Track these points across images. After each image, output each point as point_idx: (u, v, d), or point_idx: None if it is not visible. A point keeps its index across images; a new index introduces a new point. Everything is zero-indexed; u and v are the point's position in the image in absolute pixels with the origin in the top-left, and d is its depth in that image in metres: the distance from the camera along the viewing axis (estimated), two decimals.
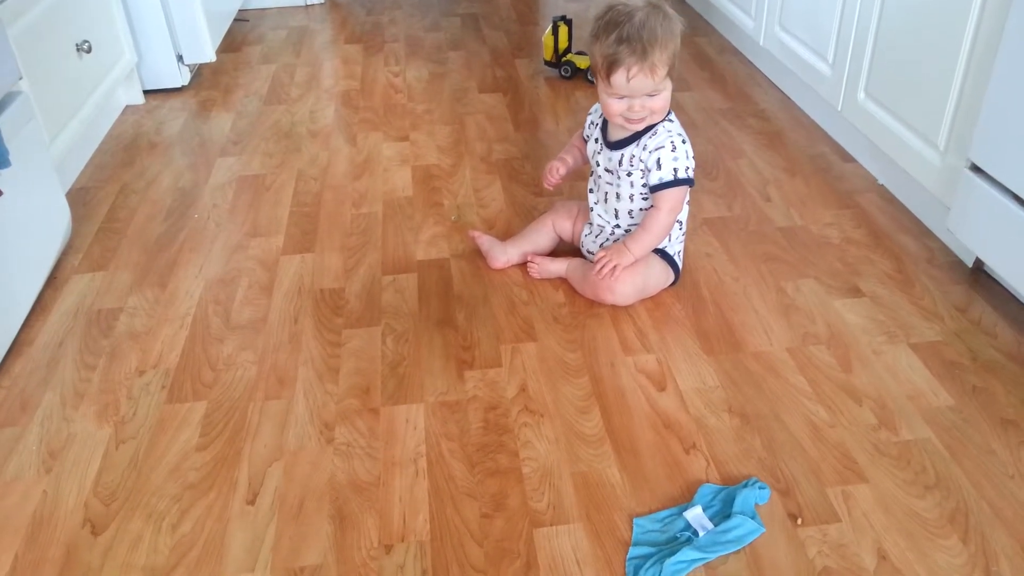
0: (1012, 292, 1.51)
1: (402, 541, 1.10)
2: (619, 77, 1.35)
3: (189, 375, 1.39)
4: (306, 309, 1.53)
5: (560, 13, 2.54)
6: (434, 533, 1.11)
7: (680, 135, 1.45)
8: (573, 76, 2.47)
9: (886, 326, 1.45)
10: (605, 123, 1.51)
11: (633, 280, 1.48)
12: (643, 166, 1.45)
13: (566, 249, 1.65)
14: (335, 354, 1.42)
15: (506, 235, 1.69)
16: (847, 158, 2.00)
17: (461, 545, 1.09)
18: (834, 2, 1.90)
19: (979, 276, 1.58)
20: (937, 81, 1.55)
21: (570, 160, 1.62)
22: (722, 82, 2.44)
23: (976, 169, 1.46)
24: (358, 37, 2.90)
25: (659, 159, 1.42)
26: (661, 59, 1.34)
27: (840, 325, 1.46)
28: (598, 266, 1.45)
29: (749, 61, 2.56)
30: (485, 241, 1.63)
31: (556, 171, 1.60)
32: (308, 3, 3.22)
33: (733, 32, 2.68)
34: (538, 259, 1.59)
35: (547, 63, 2.50)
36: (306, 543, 1.10)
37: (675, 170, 1.42)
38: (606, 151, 1.49)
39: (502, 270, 1.61)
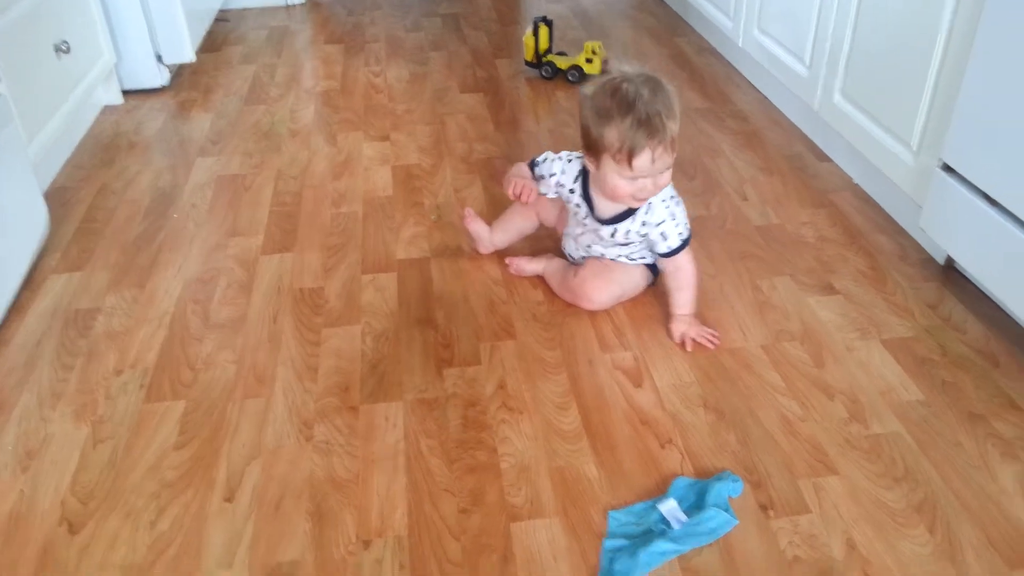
0: (982, 289, 1.53)
1: (380, 536, 1.11)
2: (643, 160, 1.29)
3: (168, 375, 1.39)
4: (285, 308, 1.54)
5: (541, 14, 2.55)
6: (412, 528, 1.12)
7: (673, 198, 1.42)
8: (554, 76, 2.48)
9: (859, 323, 1.48)
10: (585, 189, 1.45)
11: (611, 289, 1.49)
12: (642, 239, 1.44)
13: (549, 233, 1.66)
14: (314, 353, 1.43)
15: None
16: (823, 158, 2.02)
17: (439, 540, 1.10)
18: (811, 4, 1.92)
19: (950, 273, 1.60)
20: (911, 82, 1.58)
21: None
22: (701, 82, 2.46)
23: (948, 169, 1.49)
24: (339, 37, 2.90)
25: (663, 233, 1.41)
26: (677, 132, 1.30)
27: (814, 322, 1.48)
28: (687, 346, 1.42)
29: (728, 61, 2.59)
30: (474, 227, 1.64)
31: (530, 192, 1.47)
32: (289, 3, 3.22)
33: (712, 33, 2.70)
34: (515, 260, 1.60)
35: (528, 63, 2.51)
36: (284, 540, 1.11)
37: (680, 235, 1.42)
38: (592, 222, 1.46)
39: (481, 268, 1.62)
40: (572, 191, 1.46)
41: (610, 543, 1.09)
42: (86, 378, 1.38)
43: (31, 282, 1.62)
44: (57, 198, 1.89)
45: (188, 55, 2.46)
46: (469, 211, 1.65)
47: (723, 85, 2.43)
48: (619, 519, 1.12)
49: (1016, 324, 1.45)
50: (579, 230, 1.50)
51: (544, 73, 2.48)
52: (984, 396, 1.32)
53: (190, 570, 1.07)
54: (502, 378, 1.37)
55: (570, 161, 1.46)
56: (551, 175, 1.47)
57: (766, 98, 2.33)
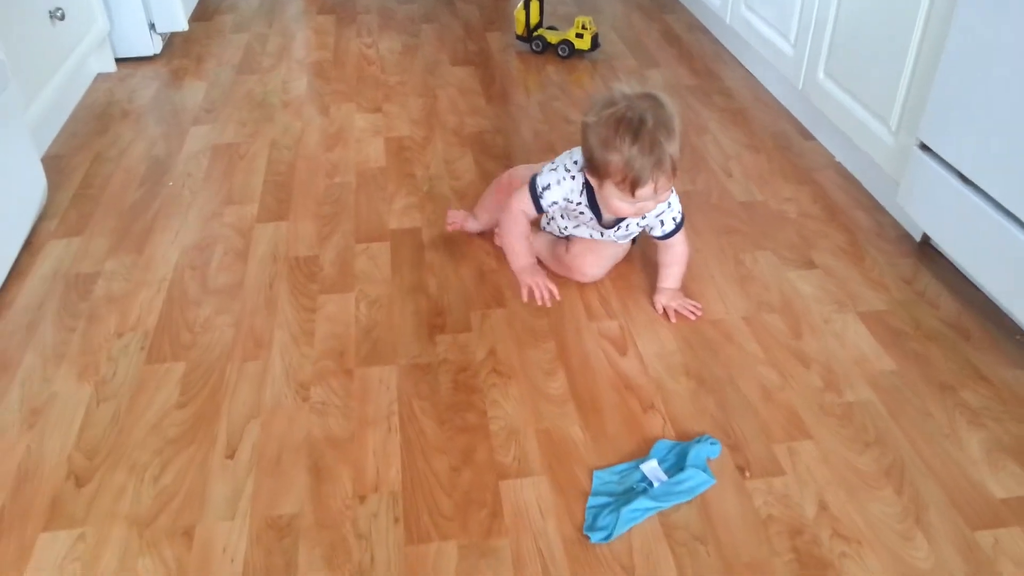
0: (956, 265, 1.59)
1: (376, 491, 1.16)
2: (646, 191, 1.31)
3: (168, 337, 1.43)
4: (281, 275, 1.58)
5: None
6: (406, 484, 1.17)
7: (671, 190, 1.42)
8: (544, 51, 2.51)
9: (836, 296, 1.53)
10: (591, 199, 1.44)
11: (603, 264, 1.55)
12: (641, 228, 1.48)
13: None
14: (310, 319, 1.47)
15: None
16: (807, 136, 2.07)
17: (431, 495, 1.16)
18: None
19: (926, 249, 1.66)
20: (891, 63, 1.63)
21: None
22: (689, 59, 2.49)
23: (925, 148, 1.54)
24: (330, 8, 2.91)
25: (661, 220, 1.45)
26: (678, 159, 1.31)
27: (793, 295, 1.54)
28: (670, 317, 1.46)
29: (716, 39, 2.62)
30: (460, 226, 1.67)
31: (551, 296, 1.48)
32: None
33: (701, 10, 2.74)
34: (454, 214, 1.66)
35: (519, 37, 2.54)
36: (284, 493, 1.16)
37: (675, 219, 1.46)
38: (596, 223, 1.48)
39: (472, 239, 1.66)
40: (579, 203, 1.45)
41: (594, 500, 1.15)
42: (88, 340, 1.42)
43: (31, 246, 1.65)
44: (53, 165, 1.91)
45: (181, 23, 2.47)
46: (450, 219, 1.67)
47: (711, 63, 2.47)
48: (603, 478, 1.18)
49: (987, 299, 1.51)
50: (575, 222, 1.52)
51: (535, 47, 2.51)
52: (954, 367, 1.38)
53: (193, 521, 1.12)
54: (492, 345, 1.42)
55: (573, 178, 1.43)
56: (554, 203, 1.45)
57: (753, 76, 2.37)
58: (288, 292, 1.53)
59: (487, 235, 1.67)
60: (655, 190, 1.31)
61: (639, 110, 1.28)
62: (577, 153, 1.43)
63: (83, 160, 1.95)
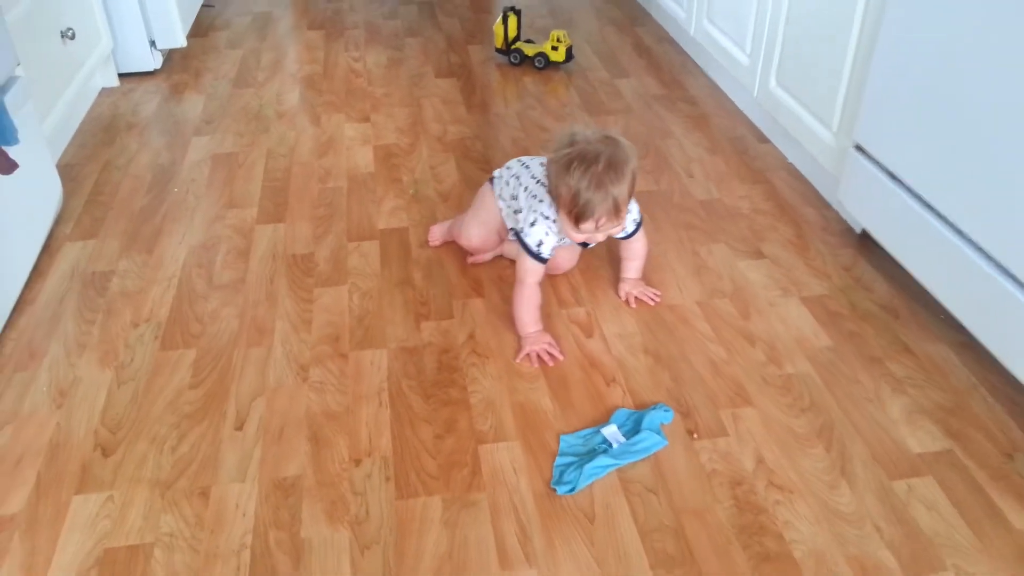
0: (890, 254, 1.76)
1: (369, 456, 1.32)
2: (588, 226, 1.42)
3: (179, 327, 1.58)
4: (280, 271, 1.73)
5: (510, 3, 2.75)
6: (396, 449, 1.33)
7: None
8: (522, 63, 2.68)
9: (782, 283, 1.70)
10: None
11: (576, 258, 1.72)
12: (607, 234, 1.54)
13: None
14: (308, 309, 1.63)
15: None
16: (763, 139, 2.24)
17: (418, 458, 1.32)
18: None
19: (865, 241, 1.83)
20: (831, 71, 1.80)
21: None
22: (658, 70, 2.67)
23: (859, 149, 1.71)
24: (319, 23, 3.07)
25: (623, 225, 1.52)
26: (626, 201, 1.41)
27: (743, 282, 1.70)
28: (631, 303, 1.62)
29: (683, 50, 2.80)
30: (437, 233, 1.81)
31: (555, 358, 1.52)
32: None
33: (669, 23, 2.91)
34: (478, 256, 1.75)
35: (498, 50, 2.71)
36: (288, 459, 1.31)
37: (635, 220, 1.57)
38: (574, 245, 1.62)
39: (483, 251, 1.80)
40: (563, 240, 1.54)
41: (561, 460, 1.31)
42: (106, 330, 1.58)
43: (49, 248, 1.80)
44: (65, 174, 2.06)
45: (179, 40, 2.62)
46: (431, 237, 1.81)
47: (678, 73, 2.64)
48: (569, 441, 1.34)
49: (917, 284, 1.67)
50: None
51: (513, 59, 2.68)
52: (883, 343, 1.55)
53: (209, 483, 1.27)
54: (472, 330, 1.58)
55: (549, 220, 1.49)
56: (551, 248, 1.51)
57: (716, 84, 2.55)
58: (287, 286, 1.69)
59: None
60: (596, 226, 1.42)
61: (593, 151, 1.39)
62: (540, 190, 1.53)
63: (93, 169, 2.10)
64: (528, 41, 2.70)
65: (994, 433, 1.37)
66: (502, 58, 2.74)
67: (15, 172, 1.49)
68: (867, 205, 1.71)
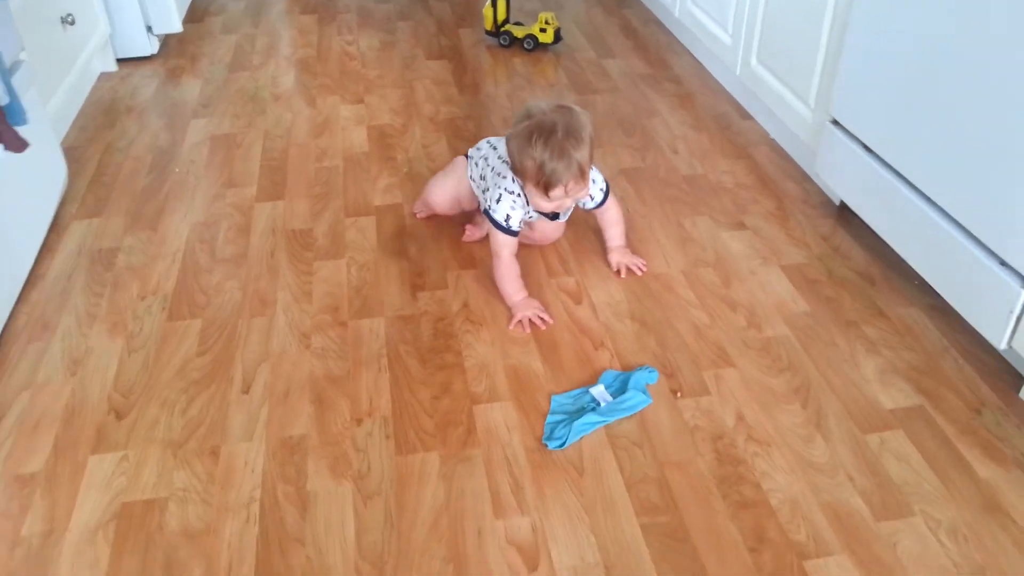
0: (867, 224, 1.84)
1: (369, 416, 1.39)
2: (557, 192, 1.48)
3: (185, 299, 1.65)
4: (280, 246, 1.80)
5: None
6: (395, 409, 1.40)
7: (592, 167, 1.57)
8: (511, 45, 2.74)
9: (762, 252, 1.78)
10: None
11: (563, 226, 1.79)
12: (575, 204, 1.64)
13: None
14: (308, 281, 1.70)
15: None
16: (746, 116, 2.31)
17: (416, 418, 1.39)
18: None
19: (844, 212, 1.91)
20: (808, 48, 1.87)
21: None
22: (644, 50, 2.73)
23: (836, 123, 1.78)
24: (312, 8, 3.12)
25: (591, 195, 1.63)
26: (588, 163, 1.48)
27: (725, 252, 1.78)
28: (621, 273, 1.68)
29: (669, 31, 2.86)
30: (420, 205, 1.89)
31: (545, 321, 1.58)
32: None
33: (655, 4, 2.97)
34: (468, 227, 1.82)
35: (488, 33, 2.77)
36: (292, 420, 1.38)
37: (601, 189, 1.65)
38: (545, 219, 1.65)
39: (448, 214, 1.89)
40: (530, 214, 1.62)
41: (551, 418, 1.38)
42: (115, 303, 1.64)
43: (56, 227, 1.86)
44: (69, 156, 2.11)
45: (176, 25, 2.67)
46: (416, 208, 1.89)
47: (664, 53, 2.71)
48: (559, 400, 1.41)
49: (892, 252, 1.75)
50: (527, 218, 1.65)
51: (502, 42, 2.74)
52: (859, 307, 1.63)
53: (218, 443, 1.34)
54: (466, 299, 1.65)
55: (513, 195, 1.57)
56: (520, 221, 1.59)
57: (700, 64, 2.61)
58: (287, 260, 1.76)
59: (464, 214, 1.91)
60: (566, 191, 1.49)
61: (550, 120, 1.45)
62: (502, 167, 1.60)
63: (95, 151, 2.16)
64: (517, 23, 2.76)
65: (963, 391, 1.45)
66: (492, 40, 2.79)
67: (25, 151, 1.55)
68: (843, 177, 1.78)
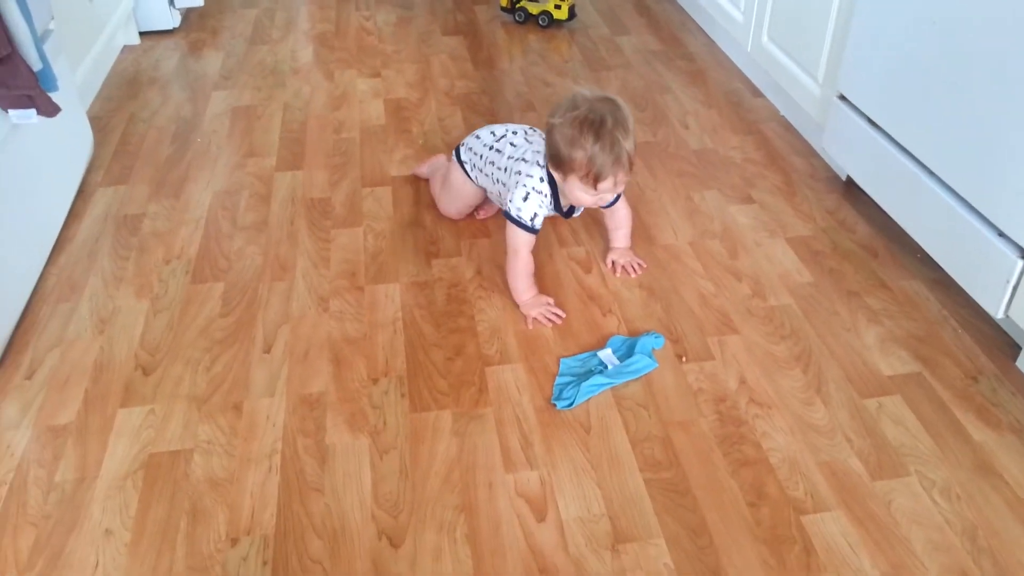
0: (872, 199, 1.87)
1: (385, 376, 1.45)
2: (607, 184, 1.45)
3: (208, 263, 1.71)
4: (300, 214, 1.85)
5: None
6: (410, 370, 1.46)
7: None
8: (526, 21, 2.77)
9: (769, 225, 1.82)
10: (556, 201, 1.58)
11: None
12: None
13: None
14: (326, 248, 1.75)
15: None
16: (757, 93, 2.34)
17: (430, 378, 1.44)
18: None
19: (850, 187, 1.94)
20: (817, 24, 1.90)
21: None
22: (657, 27, 2.76)
23: (843, 99, 1.81)
24: None
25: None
26: (634, 154, 1.45)
27: (732, 224, 1.82)
28: (631, 273, 1.66)
29: (682, 8, 2.88)
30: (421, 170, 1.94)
31: (558, 318, 1.57)
32: None
33: None
34: (480, 212, 1.83)
35: (503, 9, 2.80)
36: (312, 378, 1.44)
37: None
38: (559, 217, 1.65)
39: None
40: (543, 206, 1.57)
41: (560, 379, 1.43)
42: (140, 266, 1.70)
43: (83, 193, 1.92)
44: (94, 125, 2.17)
45: (197, 0, 2.72)
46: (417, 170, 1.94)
47: (676, 30, 2.73)
48: (568, 363, 1.47)
49: (896, 226, 1.78)
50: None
51: (517, 18, 2.77)
52: (861, 279, 1.67)
53: (241, 398, 1.40)
54: (479, 266, 1.70)
55: (543, 193, 1.55)
56: (533, 212, 1.55)
57: (713, 41, 2.64)
58: (306, 227, 1.81)
59: None
60: (615, 183, 1.47)
61: (600, 112, 1.42)
62: (524, 165, 1.57)
63: (119, 121, 2.21)
64: (532, 0, 2.79)
65: (961, 359, 1.49)
66: (507, 16, 2.83)
67: (56, 116, 1.60)
68: (850, 151, 1.82)
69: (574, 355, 1.49)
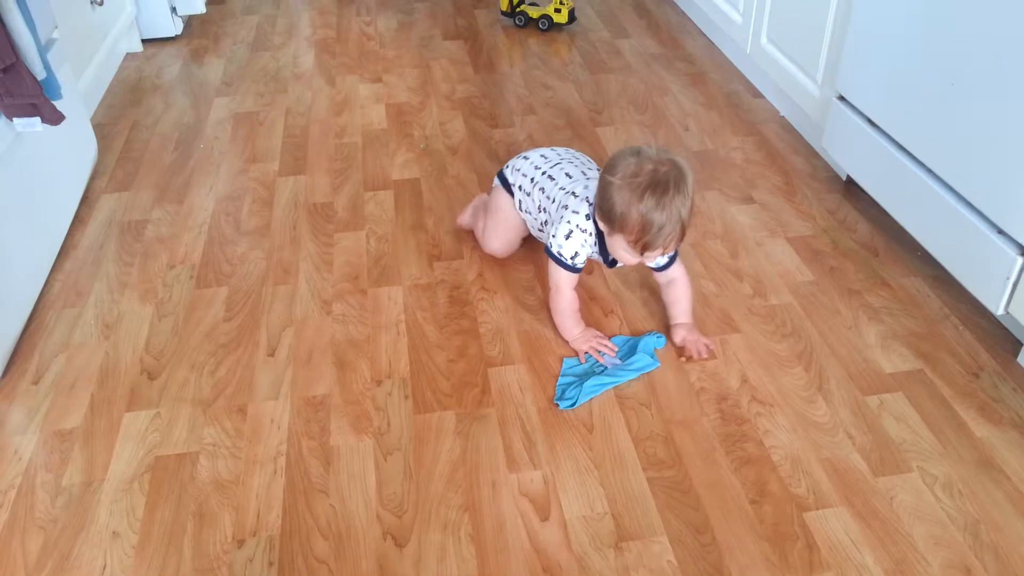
0: (872, 198, 1.88)
1: (389, 378, 1.45)
2: (655, 253, 1.38)
3: (211, 268, 1.72)
4: (302, 218, 1.86)
5: None
6: (413, 371, 1.46)
7: None
8: (526, 25, 2.79)
9: (769, 225, 1.82)
10: (602, 246, 1.48)
11: None
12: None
13: None
14: (329, 251, 1.76)
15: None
16: (757, 95, 2.35)
17: (433, 380, 1.45)
18: None
19: (851, 187, 1.95)
20: (816, 25, 1.91)
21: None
22: (656, 29, 2.77)
23: (843, 99, 1.82)
24: None
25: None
26: (688, 218, 1.35)
27: (733, 224, 1.83)
28: (696, 356, 1.48)
29: (681, 11, 2.90)
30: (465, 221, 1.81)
31: (608, 349, 1.50)
32: None
33: None
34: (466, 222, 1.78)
35: (503, 13, 2.81)
36: (315, 381, 1.45)
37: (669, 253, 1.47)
38: (603, 264, 1.55)
39: (463, 186, 1.94)
40: (592, 254, 1.51)
41: (563, 379, 1.44)
42: (145, 271, 1.71)
43: (87, 200, 1.93)
44: (97, 132, 2.18)
45: (199, 6, 2.74)
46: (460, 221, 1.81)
47: (676, 33, 2.75)
48: (570, 363, 1.47)
49: (896, 225, 1.79)
50: None
51: (517, 22, 2.79)
52: (862, 277, 1.68)
53: (245, 401, 1.41)
54: (481, 269, 1.71)
55: (589, 233, 1.46)
56: (584, 259, 1.49)
57: (712, 43, 2.65)
58: (309, 231, 1.82)
59: (478, 183, 1.96)
60: (663, 254, 1.41)
61: (664, 178, 1.31)
62: (573, 201, 1.48)
63: (123, 128, 2.23)
64: (532, 4, 2.80)
65: (962, 356, 1.50)
66: (507, 21, 2.84)
67: (60, 124, 1.61)
68: (850, 151, 1.82)
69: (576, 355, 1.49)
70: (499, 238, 1.69)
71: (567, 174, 1.55)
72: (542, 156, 1.63)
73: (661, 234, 1.33)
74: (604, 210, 1.38)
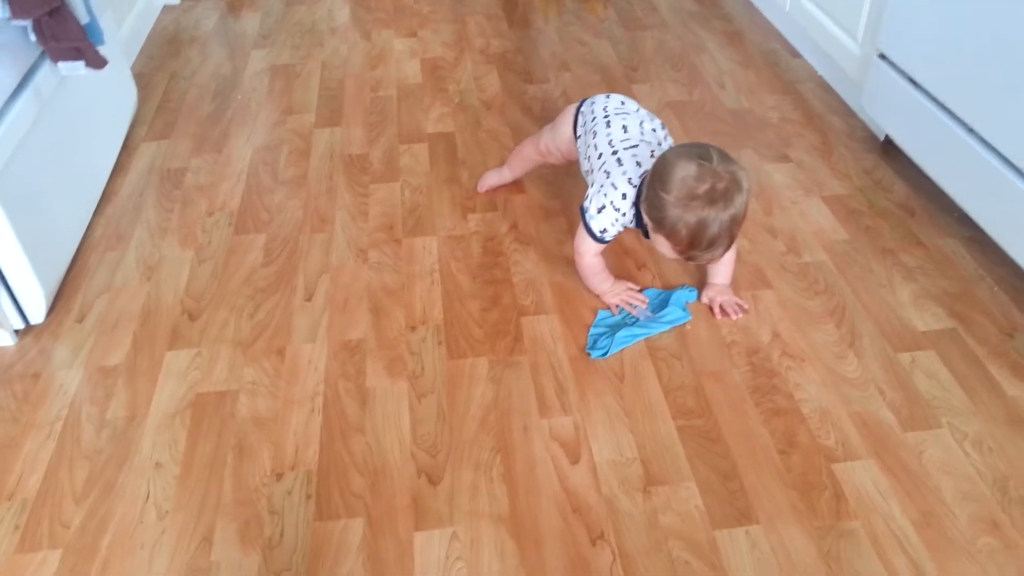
0: (910, 159, 1.86)
1: (423, 324, 1.48)
2: (696, 262, 1.39)
3: (250, 215, 1.74)
4: (338, 169, 1.88)
5: None
6: (447, 318, 1.49)
7: None
8: None
9: (805, 184, 1.81)
10: (639, 218, 1.42)
11: None
12: None
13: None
14: (364, 202, 1.78)
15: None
16: (795, 54, 2.33)
17: (467, 328, 1.47)
18: None
19: (888, 147, 1.93)
20: None
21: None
22: None
23: (883, 57, 1.80)
24: None
25: None
26: (737, 232, 1.32)
27: (768, 182, 1.82)
28: (731, 315, 1.48)
29: None
30: (491, 184, 1.80)
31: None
32: None
33: None
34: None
35: None
36: (351, 325, 1.48)
37: None
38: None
39: (497, 139, 1.95)
40: (627, 225, 1.45)
41: (595, 330, 1.46)
42: (185, 218, 1.74)
43: (127, 148, 1.96)
44: (137, 82, 2.21)
45: None
46: (482, 184, 1.80)
47: None
48: (603, 314, 1.49)
49: (934, 185, 1.77)
50: None
51: None
52: (897, 237, 1.67)
53: (283, 343, 1.44)
54: (514, 221, 1.72)
55: (624, 214, 1.42)
56: (614, 235, 1.46)
57: (750, 1, 2.61)
58: (345, 182, 1.84)
59: (511, 137, 1.97)
60: (709, 262, 1.43)
61: (719, 199, 1.27)
62: (616, 171, 1.42)
63: (161, 79, 2.25)
64: None
65: (996, 316, 1.49)
66: None
67: (104, 68, 1.64)
68: (889, 111, 1.80)
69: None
70: (549, 141, 1.65)
71: (624, 126, 1.48)
72: (621, 102, 1.56)
73: (709, 251, 1.31)
74: (653, 217, 1.33)
